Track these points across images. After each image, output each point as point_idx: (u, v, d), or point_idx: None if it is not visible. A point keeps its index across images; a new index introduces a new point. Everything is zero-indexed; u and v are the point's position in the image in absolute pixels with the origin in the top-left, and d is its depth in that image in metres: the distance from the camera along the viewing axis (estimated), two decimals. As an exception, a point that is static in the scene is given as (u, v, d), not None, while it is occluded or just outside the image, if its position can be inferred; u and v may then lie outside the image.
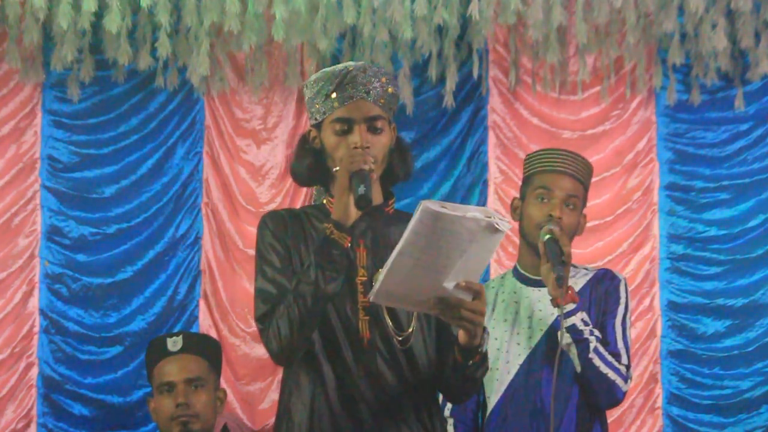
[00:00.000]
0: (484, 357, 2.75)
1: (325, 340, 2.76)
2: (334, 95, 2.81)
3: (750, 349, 5.94)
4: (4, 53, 5.81)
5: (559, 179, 3.58)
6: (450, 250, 2.52)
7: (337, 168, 2.74)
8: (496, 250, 5.86)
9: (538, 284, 3.60)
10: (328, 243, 2.67)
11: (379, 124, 2.81)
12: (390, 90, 2.85)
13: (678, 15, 5.80)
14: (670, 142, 6.09)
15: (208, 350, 3.80)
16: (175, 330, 5.78)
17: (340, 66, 2.86)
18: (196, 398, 3.63)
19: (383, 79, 2.84)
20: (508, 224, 2.57)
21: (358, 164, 2.69)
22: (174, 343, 3.68)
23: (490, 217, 2.53)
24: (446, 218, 2.50)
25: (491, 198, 6.02)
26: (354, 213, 2.70)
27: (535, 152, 3.74)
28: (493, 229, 2.54)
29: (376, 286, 2.56)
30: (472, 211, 2.52)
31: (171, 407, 3.62)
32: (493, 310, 3.64)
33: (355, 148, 2.75)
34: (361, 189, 2.65)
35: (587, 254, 5.81)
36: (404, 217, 2.71)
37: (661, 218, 6.04)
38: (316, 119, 2.86)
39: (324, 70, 2.89)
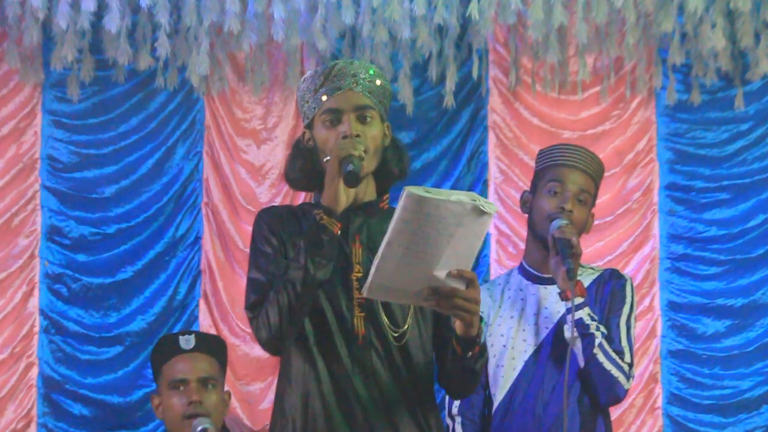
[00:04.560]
0: (483, 348, 2.74)
1: (320, 336, 2.75)
2: (322, 89, 2.81)
3: (750, 349, 5.94)
4: (4, 53, 5.82)
5: (572, 174, 3.57)
6: (438, 235, 2.51)
7: (328, 158, 2.73)
8: (497, 250, 5.94)
9: (544, 281, 3.60)
10: (317, 229, 2.66)
11: (368, 114, 2.79)
12: (378, 82, 2.83)
13: (678, 15, 5.80)
14: (670, 142, 6.09)
15: (219, 350, 3.75)
16: (176, 330, 5.78)
17: (329, 63, 2.87)
18: (208, 398, 3.57)
19: (371, 71, 2.83)
20: (494, 206, 2.55)
21: (348, 150, 2.68)
22: (187, 341, 3.61)
23: (475, 200, 2.51)
24: (431, 203, 2.48)
25: (491, 198, 6.01)
26: (344, 199, 2.69)
27: (549, 146, 3.73)
28: (479, 212, 2.52)
29: (369, 279, 2.55)
30: (456, 195, 2.51)
31: (183, 405, 3.54)
32: (500, 306, 3.64)
33: (345, 137, 2.74)
34: (350, 167, 2.65)
35: (587, 254, 5.77)
36: None
37: (661, 218, 6.04)
38: (308, 118, 2.86)
39: (314, 69, 2.89)
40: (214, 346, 3.73)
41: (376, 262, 2.53)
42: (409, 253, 2.51)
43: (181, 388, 3.56)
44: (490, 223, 2.57)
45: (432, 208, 2.48)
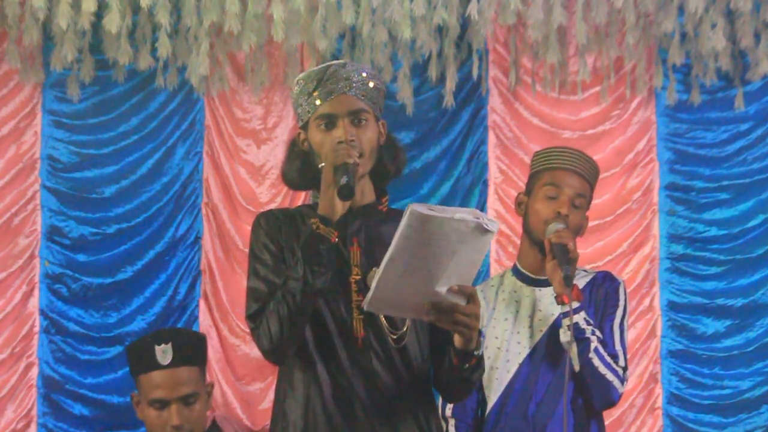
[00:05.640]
0: (480, 360, 2.74)
1: (320, 339, 2.74)
2: (315, 93, 2.79)
3: (750, 349, 5.94)
4: (4, 53, 5.82)
5: (569, 177, 3.56)
6: (440, 253, 2.51)
7: (323, 164, 2.72)
8: (496, 249, 5.94)
9: (539, 283, 3.59)
10: (314, 238, 2.65)
11: (362, 117, 2.78)
12: (371, 84, 2.82)
13: (678, 15, 5.80)
14: (670, 142, 6.09)
15: (198, 355, 3.48)
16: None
17: (321, 65, 2.86)
18: (189, 413, 3.37)
19: (363, 74, 2.82)
20: (497, 224, 2.55)
21: (342, 158, 2.67)
22: (164, 354, 3.34)
23: (478, 218, 2.51)
24: (434, 220, 2.48)
25: (491, 198, 6.02)
26: (340, 207, 2.69)
27: (545, 149, 3.72)
28: (482, 230, 2.52)
29: (369, 294, 2.55)
30: (460, 213, 2.50)
31: (163, 425, 3.35)
32: (494, 308, 3.63)
33: (340, 142, 2.74)
34: (344, 179, 2.64)
35: (587, 254, 5.81)
36: (398, 215, 2.70)
37: (661, 218, 6.04)
38: (302, 120, 2.85)
39: (307, 70, 2.88)
40: (193, 353, 3.45)
41: (377, 277, 2.53)
42: (410, 269, 2.51)
43: (161, 407, 3.35)
44: (491, 239, 2.57)
45: (435, 227, 2.48)
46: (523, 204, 3.62)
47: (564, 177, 3.56)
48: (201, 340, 3.50)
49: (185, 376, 3.35)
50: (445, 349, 2.76)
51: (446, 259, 2.52)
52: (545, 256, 3.47)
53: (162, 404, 3.34)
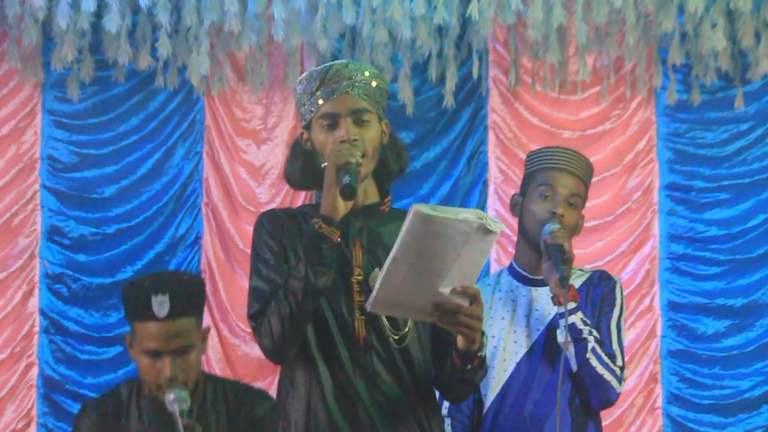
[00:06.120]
0: (483, 361, 2.74)
1: (321, 339, 2.74)
2: (318, 92, 2.79)
3: (750, 349, 5.94)
4: (4, 53, 5.83)
5: (563, 177, 3.56)
6: (444, 253, 2.51)
7: (326, 163, 2.72)
8: (497, 249, 5.94)
9: (535, 283, 3.59)
10: (316, 237, 2.65)
11: (365, 116, 2.78)
12: (374, 84, 2.82)
13: (678, 15, 5.80)
14: (670, 142, 6.09)
15: (196, 304, 3.27)
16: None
17: (324, 65, 2.86)
18: (184, 364, 3.20)
19: (366, 73, 2.81)
20: (500, 225, 2.55)
21: (345, 157, 2.67)
22: (160, 306, 3.15)
23: (481, 219, 2.51)
24: (438, 221, 2.48)
25: (491, 198, 6.02)
26: (342, 207, 2.68)
27: (539, 149, 3.71)
28: (485, 231, 2.52)
29: (373, 294, 2.55)
30: (463, 213, 2.51)
31: (157, 375, 3.18)
32: (491, 308, 3.63)
33: (342, 142, 2.73)
34: (346, 179, 2.63)
35: (587, 254, 5.81)
36: (400, 215, 2.70)
37: (661, 218, 6.04)
38: (305, 120, 2.85)
39: (310, 70, 2.88)
40: (190, 304, 3.25)
41: (380, 277, 2.53)
42: (414, 270, 2.51)
43: (155, 356, 3.18)
44: (495, 240, 2.57)
45: (439, 227, 2.48)
46: (518, 205, 3.62)
47: (558, 177, 3.55)
48: (200, 288, 3.31)
49: (181, 328, 3.19)
50: (447, 350, 2.75)
51: (450, 260, 2.52)
52: (541, 256, 3.47)
53: (156, 354, 3.18)
